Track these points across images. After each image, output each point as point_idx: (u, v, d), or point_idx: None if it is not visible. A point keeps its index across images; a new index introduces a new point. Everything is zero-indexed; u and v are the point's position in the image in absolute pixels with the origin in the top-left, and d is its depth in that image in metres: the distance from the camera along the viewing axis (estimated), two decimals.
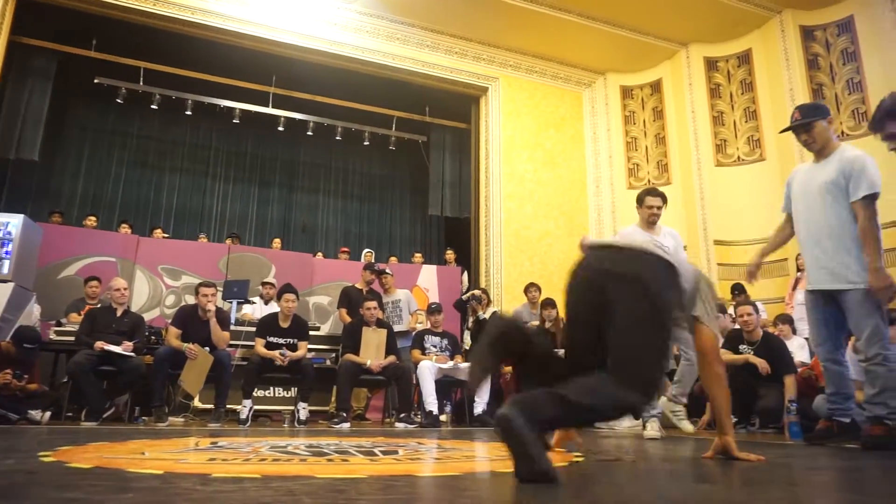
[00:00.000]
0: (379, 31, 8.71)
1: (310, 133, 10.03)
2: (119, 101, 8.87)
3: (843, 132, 7.82)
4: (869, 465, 2.26)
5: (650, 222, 4.11)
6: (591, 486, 1.45)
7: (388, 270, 6.68)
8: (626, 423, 4.91)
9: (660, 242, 4.02)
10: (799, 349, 5.35)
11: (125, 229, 7.90)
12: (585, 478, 1.74)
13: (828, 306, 3.16)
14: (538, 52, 9.52)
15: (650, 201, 4.08)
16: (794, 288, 6.70)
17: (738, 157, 8.76)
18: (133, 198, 9.99)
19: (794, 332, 5.65)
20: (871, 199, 2.98)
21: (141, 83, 8.84)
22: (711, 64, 9.15)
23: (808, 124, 3.19)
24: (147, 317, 6.26)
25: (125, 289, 5.28)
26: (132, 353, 4.83)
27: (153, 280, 7.21)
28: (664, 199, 4.16)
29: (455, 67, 9.20)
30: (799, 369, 4.69)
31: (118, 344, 4.79)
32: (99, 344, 4.71)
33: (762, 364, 4.56)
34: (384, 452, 2.41)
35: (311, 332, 5.89)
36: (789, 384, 4.37)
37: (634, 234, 4.15)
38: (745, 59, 8.96)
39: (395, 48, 8.82)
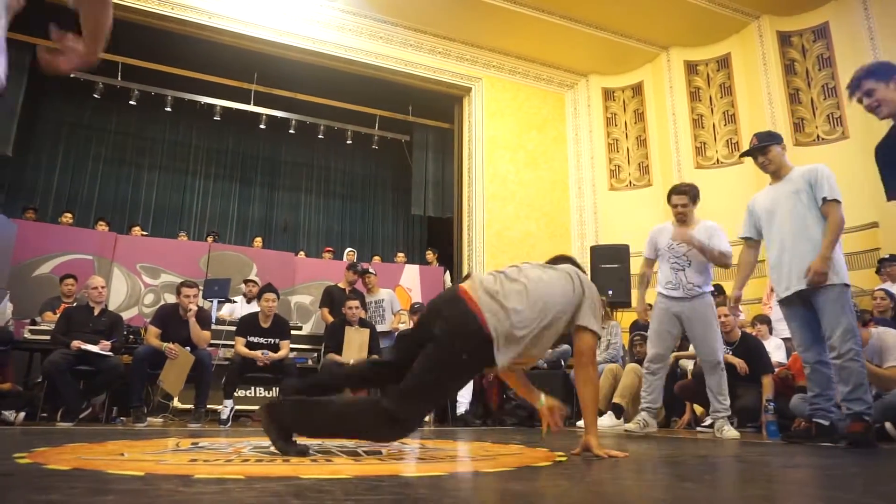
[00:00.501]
0: (362, 29, 8.68)
1: (292, 131, 9.98)
2: (96, 95, 8.75)
3: (818, 136, 7.97)
4: (846, 463, 2.31)
5: (679, 220, 4.18)
6: (574, 486, 1.46)
7: (371, 270, 6.66)
8: (606, 422, 4.95)
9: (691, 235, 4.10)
10: (776, 349, 5.44)
11: (102, 227, 7.78)
12: (569, 476, 1.76)
13: (807, 310, 3.24)
14: (521, 54, 9.56)
15: (674, 200, 4.19)
16: (772, 289, 6.80)
17: (718, 160, 8.87)
18: (110, 195, 9.85)
19: (771, 332, 5.75)
20: (837, 203, 3.20)
21: (119, 78, 8.72)
22: (691, 67, 9.26)
23: (764, 148, 3.47)
24: (125, 316, 6.17)
25: (103, 287, 5.19)
26: (110, 353, 4.76)
27: (131, 278, 7.11)
28: (691, 195, 4.19)
29: (438, 67, 9.20)
30: (776, 369, 4.76)
31: (95, 343, 4.71)
32: (76, 343, 4.63)
33: (740, 364, 4.62)
34: (367, 452, 2.40)
35: (293, 332, 5.85)
36: (767, 384, 4.44)
37: (664, 231, 4.28)
38: (724, 63, 9.08)
39: (379, 47, 8.79)
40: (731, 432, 3.90)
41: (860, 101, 2.78)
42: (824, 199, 3.20)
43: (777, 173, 3.46)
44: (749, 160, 8.67)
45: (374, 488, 1.47)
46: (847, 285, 3.15)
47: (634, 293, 6.02)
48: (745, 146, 8.48)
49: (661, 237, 4.25)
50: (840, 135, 7.80)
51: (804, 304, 3.25)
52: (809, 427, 3.27)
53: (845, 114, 7.84)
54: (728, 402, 4.04)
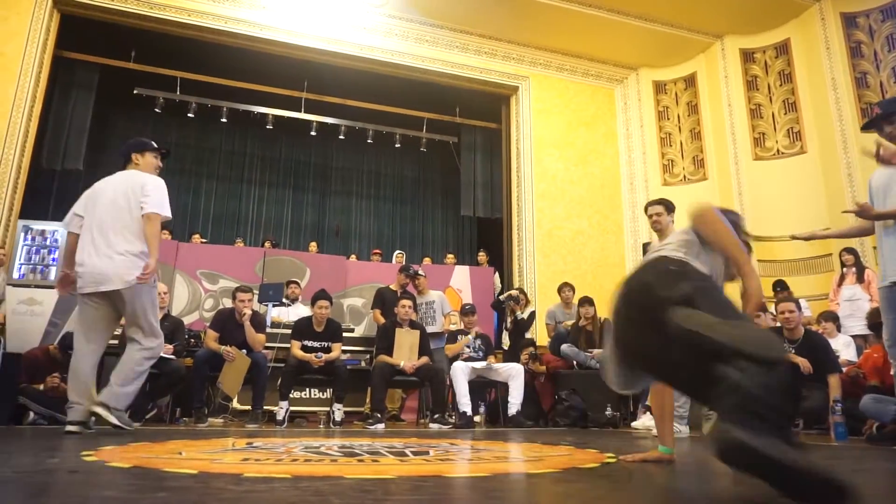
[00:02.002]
0: (408, 33, 8.75)
1: (341, 137, 10.14)
2: (157, 110, 9.12)
3: None
4: None
5: (655, 229, 4.26)
6: (619, 488, 1.43)
7: (420, 272, 6.71)
8: (647, 423, 4.81)
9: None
10: (844, 347, 5.18)
11: (165, 235, 8.10)
12: (612, 479, 1.72)
13: None
14: (568, 50, 9.43)
15: (649, 210, 4.23)
16: (840, 284, 6.48)
17: (778, 150, 8.51)
18: (172, 204, 9.90)
19: (840, 329, 5.47)
20: None
21: (178, 92, 9.07)
22: (748, 56, 8.92)
23: (890, 115, 3.06)
24: (186, 320, 6.41)
25: (165, 293, 5.41)
26: (173, 356, 4.95)
27: (192, 284, 7.38)
28: (666, 205, 4.20)
29: (484, 68, 9.18)
30: (845, 368, 4.53)
31: None
32: None
33: (804, 363, 4.41)
34: (415, 453, 2.42)
35: (346, 334, 5.94)
36: (834, 384, 4.22)
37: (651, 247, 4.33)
38: (783, 49, 8.71)
39: (425, 50, 8.85)
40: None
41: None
42: None
43: None
44: (813, 148, 8.23)
45: (416, 488, 1.48)
46: None
47: None
48: (808, 136, 8.24)
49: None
50: None
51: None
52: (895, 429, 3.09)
53: None
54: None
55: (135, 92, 8.91)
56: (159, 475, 1.66)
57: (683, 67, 9.50)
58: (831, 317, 5.48)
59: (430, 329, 6.19)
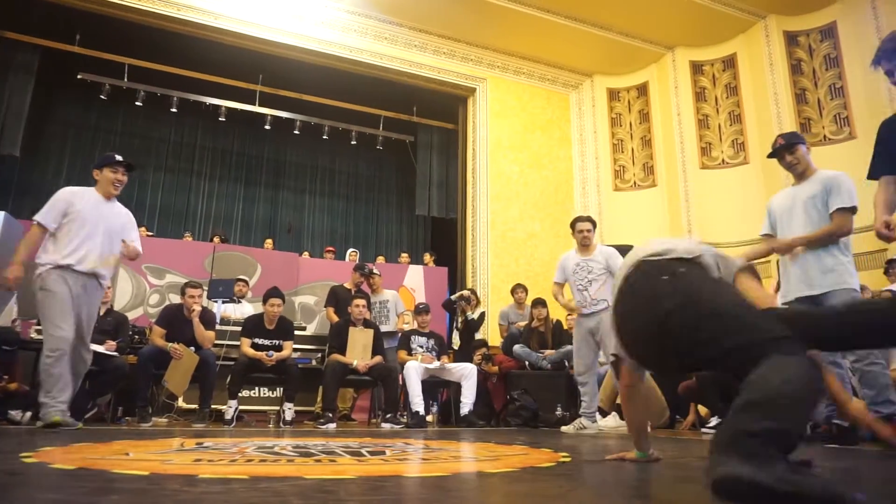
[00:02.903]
0: (366, 30, 8.69)
1: (297, 132, 10.00)
2: (103, 97, 8.78)
3: (825, 136, 7.94)
4: (860, 465, 2.30)
5: (583, 244, 4.83)
6: (578, 487, 1.46)
7: (375, 271, 6.67)
8: (611, 423, 4.95)
9: (586, 262, 4.79)
10: None
11: None
12: (572, 478, 1.75)
13: None
14: (526, 54, 9.56)
15: (580, 226, 4.83)
16: (777, 289, 6.78)
17: (723, 160, 8.85)
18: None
19: None
20: (850, 211, 3.18)
21: (125, 79, 8.75)
22: (697, 67, 9.24)
23: (792, 146, 3.39)
24: (130, 316, 6.20)
25: (108, 287, 5.21)
26: (115, 353, 4.78)
27: (136, 279, 7.13)
28: (593, 223, 4.93)
29: (442, 68, 9.20)
30: None
31: (101, 343, 4.73)
32: None
33: None
34: (371, 453, 2.40)
35: (297, 332, 5.86)
36: None
37: (568, 259, 4.93)
38: (730, 63, 9.06)
39: (383, 48, 8.80)
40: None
41: (888, 73, 2.69)
42: (838, 209, 3.18)
43: (803, 174, 3.41)
44: (755, 158, 8.58)
45: (377, 489, 1.47)
46: (857, 289, 3.14)
47: None
48: (751, 147, 8.59)
49: (568, 264, 4.91)
50: (847, 135, 7.76)
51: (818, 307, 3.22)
52: (829, 428, 3.25)
53: (852, 114, 7.81)
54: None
55: (79, 77, 8.55)
56: (108, 477, 1.60)
57: (636, 76, 9.76)
58: None
59: (383, 328, 6.17)
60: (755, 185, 8.42)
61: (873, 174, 2.91)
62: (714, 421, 4.74)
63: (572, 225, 4.93)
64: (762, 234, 3.64)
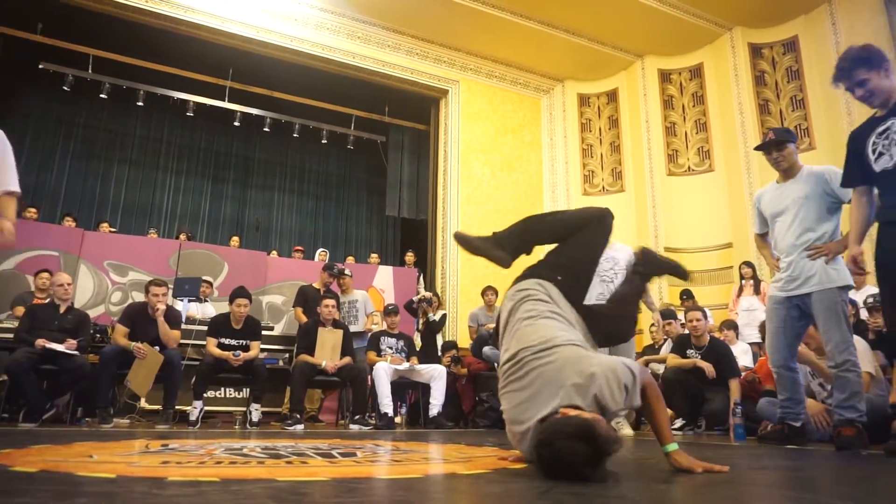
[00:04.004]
0: (340, 28, 8.64)
1: (266, 129, 9.87)
2: (65, 88, 8.53)
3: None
4: (811, 465, 2.37)
5: None
6: (553, 487, 1.48)
7: (346, 271, 6.63)
8: None
9: (611, 255, 4.44)
10: (742, 354, 5.57)
11: (69, 222, 7.59)
12: (546, 479, 1.77)
13: (790, 314, 3.28)
14: (498, 57, 9.62)
15: None
16: (739, 295, 6.96)
17: (689, 168, 9.05)
18: (78, 190, 9.62)
19: (738, 337, 5.88)
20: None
21: (90, 71, 8.52)
22: (665, 76, 9.43)
23: (781, 143, 3.36)
24: (91, 314, 6.02)
25: (69, 284, 5.06)
26: (76, 352, 4.64)
27: (98, 276, 6.95)
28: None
29: (415, 69, 9.20)
30: (743, 373, 4.87)
31: (61, 342, 4.58)
32: (40, 342, 4.49)
33: (709, 368, 4.71)
34: (342, 454, 2.39)
35: (265, 332, 5.78)
36: (734, 388, 4.54)
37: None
38: (696, 72, 9.27)
39: (356, 47, 8.75)
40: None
41: (850, 90, 2.71)
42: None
43: (788, 171, 3.38)
44: (720, 166, 8.77)
45: (351, 491, 1.47)
46: (845, 287, 3.15)
47: None
48: (716, 155, 8.80)
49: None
50: (808, 146, 8.01)
51: (790, 309, 3.29)
52: (782, 429, 3.35)
53: (812, 125, 8.07)
54: None
55: (40, 67, 8.29)
56: (73, 480, 1.55)
57: (607, 83, 9.91)
58: (731, 325, 5.87)
59: (352, 328, 6.13)
60: (719, 192, 8.63)
61: (846, 182, 2.96)
62: (679, 423, 4.84)
63: None
64: (757, 232, 3.64)
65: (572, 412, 1.67)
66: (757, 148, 3.60)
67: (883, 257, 2.69)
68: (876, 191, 2.80)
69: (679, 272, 2.64)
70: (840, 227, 3.28)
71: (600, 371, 1.76)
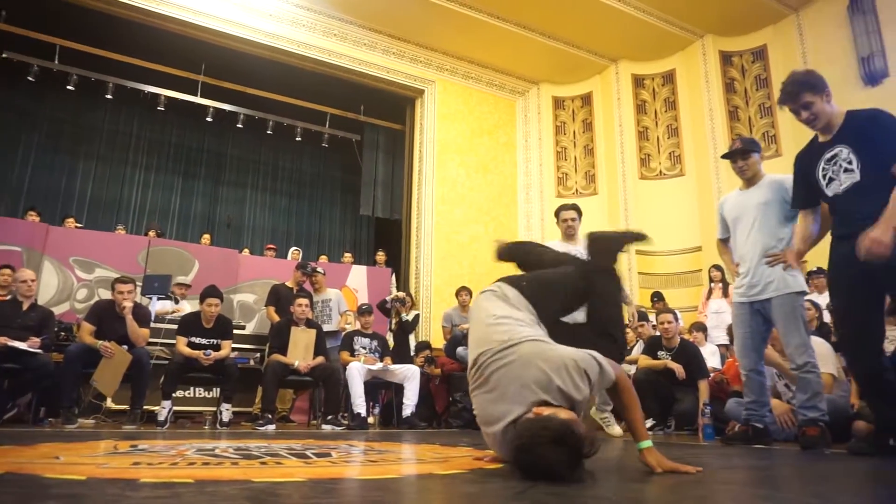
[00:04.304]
0: (316, 25, 8.56)
1: (239, 125, 9.73)
2: (30, 78, 8.29)
3: None
4: (778, 464, 2.43)
5: (568, 234, 4.50)
6: (530, 488, 1.49)
7: (319, 269, 6.57)
8: None
9: (578, 251, 4.37)
10: (711, 355, 5.67)
11: (33, 217, 7.36)
12: (521, 478, 1.78)
13: (754, 319, 3.38)
14: (475, 59, 9.64)
15: (564, 214, 4.50)
16: (708, 298, 7.10)
17: (661, 172, 9.19)
18: (43, 184, 9.35)
19: (707, 339, 5.99)
20: None
21: (56, 61, 8.29)
22: (639, 81, 9.56)
23: (746, 152, 3.48)
24: (56, 311, 5.85)
25: (33, 280, 4.91)
26: (39, 350, 4.51)
27: (63, 272, 6.77)
28: (579, 211, 4.55)
29: (392, 68, 9.17)
30: (712, 374, 4.96)
31: (24, 340, 4.45)
32: (2, 339, 4.35)
33: (679, 369, 4.80)
34: (317, 455, 2.37)
35: (236, 331, 5.71)
36: (703, 388, 4.62)
37: (553, 247, 4.48)
38: (669, 78, 9.42)
39: (332, 44, 8.69)
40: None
41: (795, 112, 2.81)
42: None
43: (752, 179, 3.50)
44: (690, 171, 8.92)
45: (329, 491, 1.46)
46: (801, 293, 3.27)
47: None
48: (687, 159, 8.96)
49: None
50: (774, 152, 8.21)
51: (753, 314, 3.38)
52: (746, 430, 3.43)
53: (779, 133, 8.28)
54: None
55: (4, 56, 8.04)
56: (41, 482, 1.51)
57: (581, 86, 10.02)
58: (701, 327, 5.98)
59: (325, 328, 6.09)
60: (690, 196, 8.79)
61: (795, 204, 3.08)
62: (650, 423, 4.90)
63: (556, 213, 4.62)
64: (718, 237, 3.74)
65: (546, 410, 1.69)
66: (723, 156, 3.72)
67: (832, 271, 2.82)
68: (822, 209, 2.94)
69: (636, 238, 2.68)
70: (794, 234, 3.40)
71: (560, 363, 1.79)
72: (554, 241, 4.74)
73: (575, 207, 4.58)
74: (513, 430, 1.72)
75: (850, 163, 2.67)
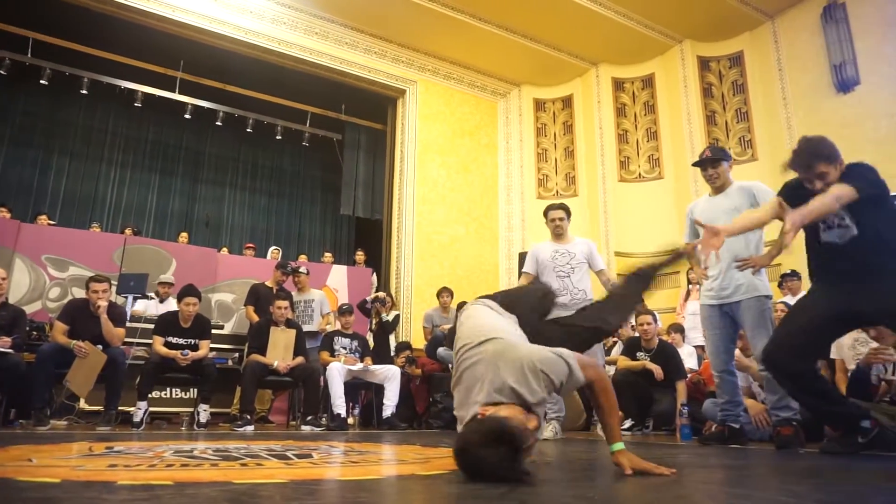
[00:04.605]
0: (297, 23, 8.50)
1: (219, 123, 9.63)
2: (2, 72, 8.10)
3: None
4: (754, 464, 2.47)
5: (556, 234, 4.61)
6: (514, 488, 1.49)
7: (302, 269, 6.52)
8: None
9: (566, 250, 4.52)
10: (689, 356, 5.75)
11: (3, 213, 7.22)
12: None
13: (724, 321, 3.45)
14: (457, 59, 9.65)
15: (553, 214, 4.61)
16: (686, 299, 7.18)
17: (640, 175, 9.29)
18: (14, 179, 9.14)
19: (685, 340, 6.06)
20: None
21: (29, 55, 8.12)
22: (618, 84, 9.65)
23: (716, 161, 3.59)
24: (27, 310, 5.73)
25: (3, 279, 4.80)
26: (10, 350, 4.41)
27: (35, 270, 6.63)
28: (567, 211, 4.66)
29: (373, 67, 9.14)
30: (688, 375, 5.03)
31: None
32: None
33: (657, 370, 4.85)
34: (298, 456, 2.35)
35: (214, 331, 5.64)
36: (681, 389, 4.68)
37: (542, 248, 4.67)
38: (648, 82, 9.53)
39: (314, 43, 8.63)
40: (547, 432, 4.10)
41: (808, 180, 2.71)
42: None
43: (721, 187, 3.60)
44: (669, 174, 9.01)
45: (312, 493, 1.45)
46: (768, 296, 3.37)
47: None
48: (666, 163, 9.06)
49: (542, 252, 4.65)
50: (750, 157, 8.35)
51: (723, 317, 3.45)
52: (722, 430, 3.49)
53: (755, 137, 8.41)
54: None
55: None
56: (15, 485, 1.47)
57: (562, 88, 10.08)
58: (678, 328, 6.06)
59: (306, 328, 6.05)
60: (668, 199, 8.89)
61: (781, 193, 3.05)
62: (628, 423, 4.95)
63: (545, 213, 4.68)
64: (686, 242, 3.80)
65: (489, 410, 1.69)
66: (694, 164, 3.81)
67: (795, 305, 2.92)
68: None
69: (675, 257, 2.82)
70: (763, 239, 3.51)
71: (518, 363, 1.78)
72: (543, 241, 4.83)
73: (563, 207, 4.66)
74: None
75: (842, 219, 2.65)
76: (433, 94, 9.66)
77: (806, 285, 6.11)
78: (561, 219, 4.58)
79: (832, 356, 4.07)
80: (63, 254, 6.82)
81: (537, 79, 10.03)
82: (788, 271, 6.20)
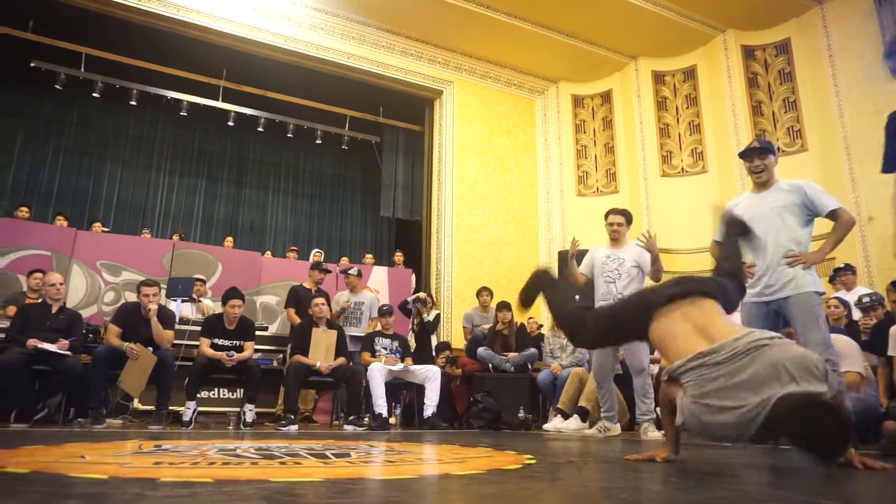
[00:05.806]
0: (334, 28, 8.62)
1: (261, 129, 9.85)
2: (58, 86, 8.48)
3: (779, 148, 8.21)
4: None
5: (613, 238, 4.69)
6: (546, 489, 1.48)
7: (353, 270, 6.63)
8: (573, 425, 5.02)
9: (617, 255, 4.63)
10: None
11: (61, 221, 7.54)
12: (539, 479, 1.77)
13: (768, 319, 3.32)
14: (493, 58, 9.62)
15: (612, 219, 4.70)
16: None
17: (683, 169, 9.07)
18: (70, 189, 9.56)
19: None
20: (843, 209, 3.30)
21: (82, 69, 8.48)
22: (659, 77, 9.45)
23: (764, 151, 3.44)
24: (84, 314, 6.00)
25: (61, 284, 5.03)
26: (68, 352, 4.61)
27: (91, 276, 6.92)
28: (627, 217, 4.74)
29: (410, 69, 9.19)
30: None
31: (53, 342, 4.56)
32: (32, 342, 4.46)
33: None
34: (336, 455, 2.39)
35: (259, 333, 5.77)
36: None
37: (598, 251, 4.77)
38: (690, 74, 9.29)
39: (351, 47, 8.74)
40: (654, 434, 4.07)
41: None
42: (835, 209, 3.24)
43: (766, 183, 3.44)
44: (713, 168, 8.76)
45: (346, 491, 1.47)
46: (819, 293, 3.23)
47: None
48: (710, 156, 8.83)
49: (597, 255, 4.75)
50: (799, 147, 8.06)
51: (767, 315, 3.32)
52: None
53: (804, 127, 8.11)
54: (653, 405, 4.34)
55: (32, 65, 8.24)
56: (65, 481, 1.55)
57: (600, 84, 9.93)
58: None
59: (353, 330, 6.16)
60: (712, 193, 8.64)
61: (886, 168, 2.96)
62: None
63: (605, 217, 4.78)
64: (717, 240, 3.68)
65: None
66: (740, 154, 3.64)
67: None
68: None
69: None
70: (812, 233, 3.39)
71: (815, 357, 1.99)
72: (600, 245, 4.89)
73: (624, 213, 4.74)
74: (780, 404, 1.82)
75: None
76: (470, 93, 9.66)
77: (861, 280, 5.88)
78: (620, 224, 4.66)
79: (889, 353, 3.89)
80: (116, 259, 7.10)
81: (575, 75, 9.91)
82: (842, 265, 5.97)
